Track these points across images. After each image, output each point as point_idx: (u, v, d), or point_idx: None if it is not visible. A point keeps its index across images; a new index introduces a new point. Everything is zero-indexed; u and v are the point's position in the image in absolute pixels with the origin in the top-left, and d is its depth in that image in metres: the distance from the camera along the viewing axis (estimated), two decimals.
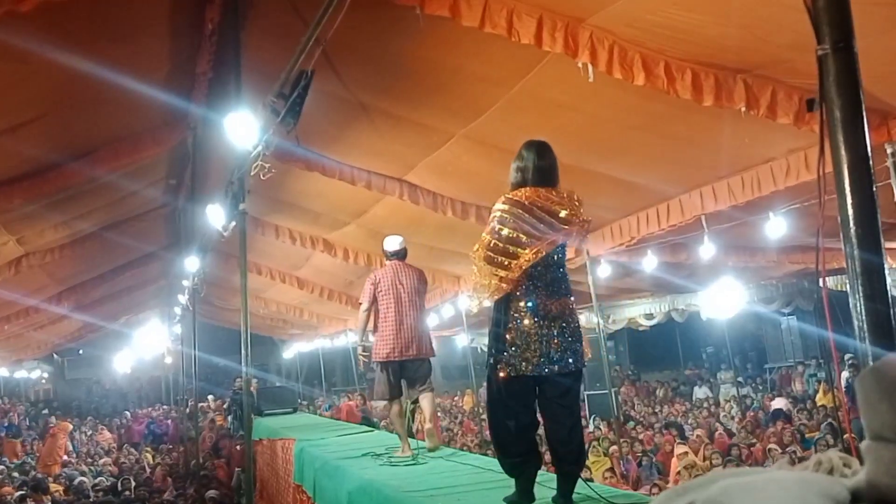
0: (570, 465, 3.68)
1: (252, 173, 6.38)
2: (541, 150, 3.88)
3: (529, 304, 3.61)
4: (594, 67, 4.90)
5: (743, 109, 5.05)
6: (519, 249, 3.56)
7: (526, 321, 3.61)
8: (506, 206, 3.64)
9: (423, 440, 6.23)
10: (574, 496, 3.68)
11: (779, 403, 14.94)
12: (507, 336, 3.61)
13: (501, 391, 3.66)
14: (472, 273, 3.82)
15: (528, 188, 3.71)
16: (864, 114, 1.93)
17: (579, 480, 3.74)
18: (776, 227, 7.92)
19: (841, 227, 1.89)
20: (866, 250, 1.91)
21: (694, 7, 4.47)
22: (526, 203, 3.62)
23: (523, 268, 3.56)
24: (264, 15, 6.48)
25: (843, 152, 1.80)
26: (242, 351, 7.18)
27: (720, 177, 7.07)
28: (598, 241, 9.12)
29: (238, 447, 12.98)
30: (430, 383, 6.12)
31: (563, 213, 3.66)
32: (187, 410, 16.27)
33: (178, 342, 18.30)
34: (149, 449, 17.97)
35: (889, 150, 5.29)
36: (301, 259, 13.59)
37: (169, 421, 21.22)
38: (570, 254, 9.81)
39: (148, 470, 14.69)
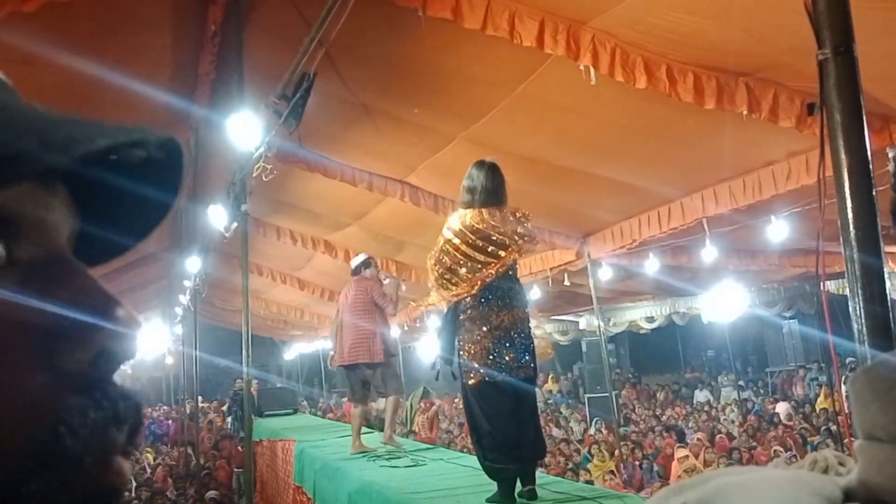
0: (524, 459, 3.86)
1: (254, 175, 6.39)
2: (489, 172, 4.10)
3: (479, 316, 3.81)
4: (596, 70, 4.90)
5: (745, 112, 5.06)
6: (459, 280, 3.90)
7: (476, 332, 3.85)
8: (450, 236, 3.95)
9: (421, 442, 6.47)
10: (567, 496, 3.77)
11: (780, 407, 14.93)
12: (462, 345, 3.84)
13: (469, 396, 3.88)
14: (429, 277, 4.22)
15: (474, 210, 3.97)
16: (865, 118, 1.94)
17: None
18: (777, 230, 7.92)
19: (841, 230, 1.90)
20: (866, 253, 1.92)
21: (695, 10, 4.47)
22: (469, 233, 3.89)
23: (461, 296, 3.89)
24: (267, 16, 6.49)
25: (843, 156, 1.81)
26: (243, 352, 7.19)
27: (721, 179, 7.07)
28: (599, 243, 9.12)
29: (239, 448, 13.00)
30: (398, 388, 6.97)
31: (499, 237, 3.89)
32: (187, 411, 16.27)
33: (179, 342, 18.30)
34: (149, 449, 17.95)
35: (890, 154, 5.25)
36: (302, 260, 13.59)
37: (170, 421, 21.20)
38: (570, 257, 9.83)
39: (149, 470, 14.67)
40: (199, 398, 19.72)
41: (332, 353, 7.24)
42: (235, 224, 7.38)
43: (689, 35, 4.68)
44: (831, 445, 9.70)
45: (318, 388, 24.89)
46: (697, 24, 4.57)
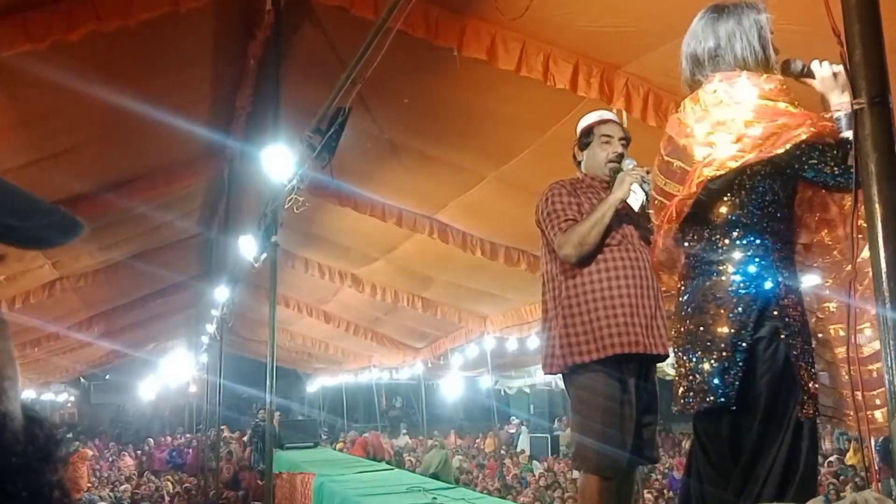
0: None
1: (286, 206, 6.44)
2: None
3: None
4: (629, 114, 4.92)
5: None
6: None
7: None
8: None
9: None
10: None
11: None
12: None
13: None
14: None
15: None
16: None
17: None
18: (810, 281, 7.81)
19: (873, 282, 1.88)
20: None
21: None
22: None
23: None
24: (305, 52, 6.60)
25: (876, 206, 1.79)
26: (268, 383, 7.17)
27: None
28: None
29: (259, 480, 12.95)
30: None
31: None
32: (209, 440, 16.26)
33: (204, 371, 18.36)
34: (169, 477, 17.92)
35: None
36: (328, 293, 13.64)
37: (190, 450, 21.21)
38: None
39: (167, 498, 14.66)
40: (223, 427, 19.70)
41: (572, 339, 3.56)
42: (265, 255, 7.41)
43: None
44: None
45: (341, 419, 24.80)
46: None
